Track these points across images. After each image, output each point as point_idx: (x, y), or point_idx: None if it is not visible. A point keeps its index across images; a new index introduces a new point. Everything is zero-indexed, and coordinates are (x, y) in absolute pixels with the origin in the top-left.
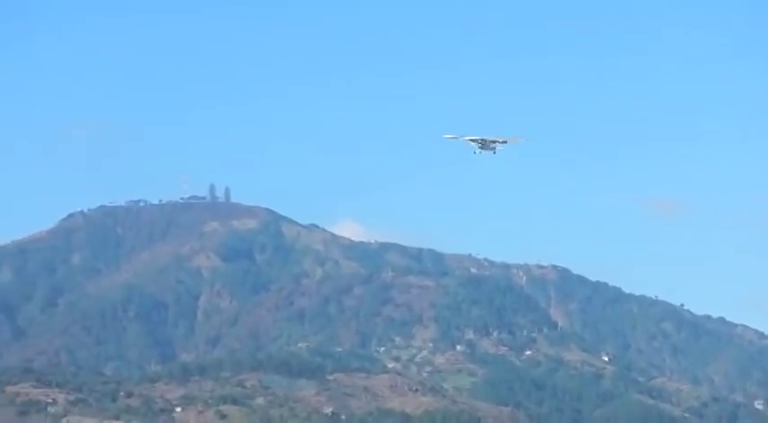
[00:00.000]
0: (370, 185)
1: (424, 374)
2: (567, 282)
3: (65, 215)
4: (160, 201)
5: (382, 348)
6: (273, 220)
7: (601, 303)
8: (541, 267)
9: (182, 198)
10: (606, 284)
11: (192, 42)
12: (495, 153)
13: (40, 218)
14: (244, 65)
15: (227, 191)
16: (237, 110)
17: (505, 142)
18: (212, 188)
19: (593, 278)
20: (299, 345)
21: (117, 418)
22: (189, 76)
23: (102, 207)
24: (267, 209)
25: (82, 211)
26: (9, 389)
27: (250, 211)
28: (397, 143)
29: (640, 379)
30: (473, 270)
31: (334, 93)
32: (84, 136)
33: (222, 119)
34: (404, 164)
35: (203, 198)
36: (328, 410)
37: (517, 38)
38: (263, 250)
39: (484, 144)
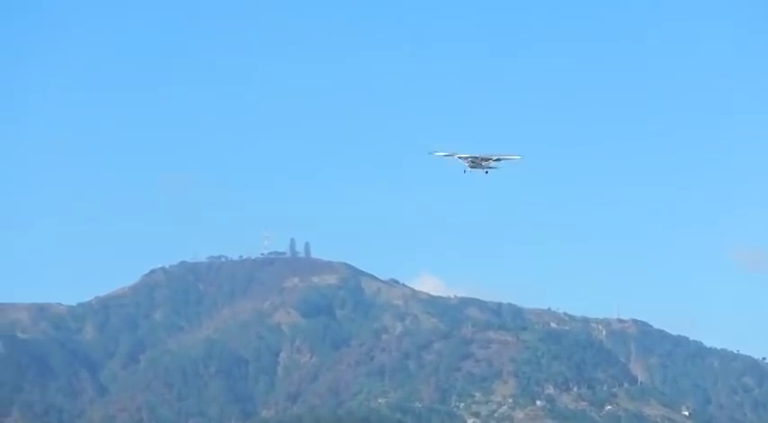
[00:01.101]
0: (450, 239)
1: None
2: (647, 336)
3: (147, 271)
4: (241, 256)
5: (462, 404)
6: (353, 276)
7: (681, 357)
8: (622, 321)
9: (262, 254)
10: (687, 338)
11: (271, 105)
12: (487, 173)
13: (123, 274)
14: (318, 125)
15: (308, 246)
16: (317, 168)
17: (499, 160)
18: (292, 243)
19: (673, 332)
20: (379, 400)
21: None
22: (269, 135)
23: (183, 263)
24: (347, 264)
25: (163, 268)
26: None
27: (330, 267)
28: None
29: None
30: (553, 324)
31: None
32: (166, 191)
33: (303, 176)
34: (480, 220)
35: (283, 253)
36: None
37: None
38: (342, 306)
39: (475, 162)
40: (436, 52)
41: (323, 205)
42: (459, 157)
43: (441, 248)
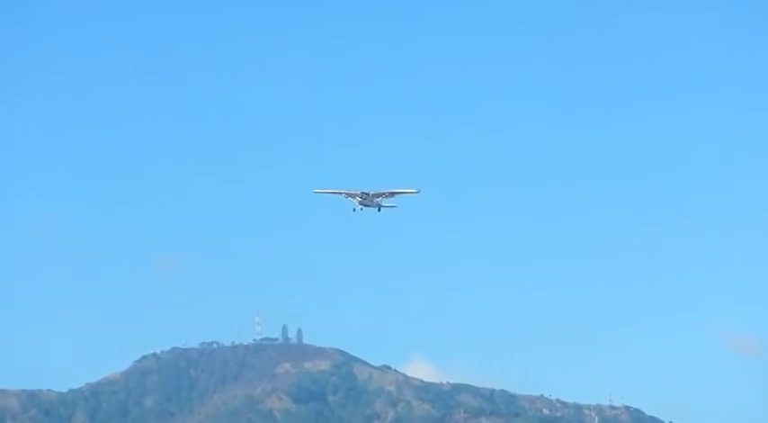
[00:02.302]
0: (442, 325)
1: None
2: (640, 422)
3: (138, 357)
4: (233, 343)
5: None
6: (345, 362)
7: None
8: (614, 408)
9: (254, 340)
10: None
11: (265, 197)
12: (379, 211)
13: (114, 360)
14: (313, 215)
15: (300, 332)
16: (309, 253)
17: (393, 195)
18: (285, 329)
19: (666, 419)
20: None
21: None
22: (260, 222)
23: (175, 349)
24: (339, 350)
25: (155, 354)
26: None
27: (322, 353)
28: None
29: None
30: (545, 411)
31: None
32: (158, 274)
33: (295, 262)
34: (473, 302)
35: (276, 339)
36: None
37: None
38: (335, 392)
39: (365, 199)
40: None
41: (315, 291)
42: (347, 194)
43: (432, 333)
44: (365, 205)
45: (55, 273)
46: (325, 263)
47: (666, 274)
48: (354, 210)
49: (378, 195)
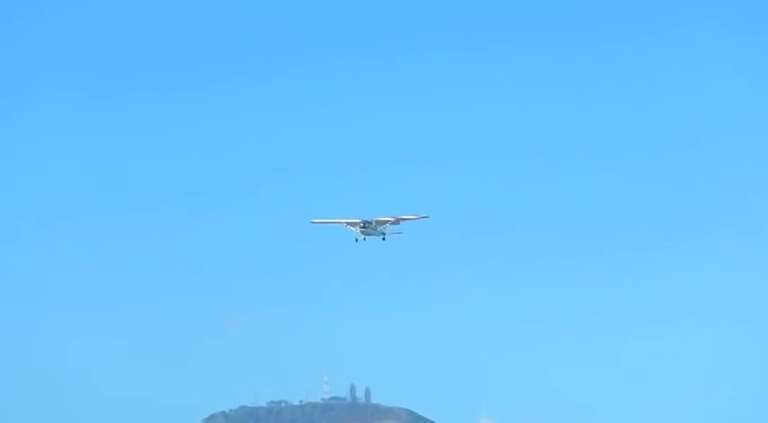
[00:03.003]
0: (509, 381)
1: None
2: None
3: (207, 415)
4: (301, 402)
5: None
6: (413, 421)
7: None
8: None
9: (322, 399)
10: None
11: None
12: (384, 239)
13: (183, 418)
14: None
15: (368, 392)
16: (378, 315)
17: (398, 222)
18: (353, 389)
19: None
20: None
21: None
22: (332, 278)
23: (243, 407)
24: (407, 409)
25: (224, 412)
26: None
27: (390, 412)
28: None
29: None
30: None
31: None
32: (227, 332)
33: (364, 320)
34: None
35: (343, 399)
36: None
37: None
38: None
39: (367, 228)
40: None
41: (382, 350)
42: (348, 224)
43: (500, 390)
44: (367, 234)
45: (124, 331)
46: (391, 323)
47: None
48: (357, 240)
49: (381, 223)
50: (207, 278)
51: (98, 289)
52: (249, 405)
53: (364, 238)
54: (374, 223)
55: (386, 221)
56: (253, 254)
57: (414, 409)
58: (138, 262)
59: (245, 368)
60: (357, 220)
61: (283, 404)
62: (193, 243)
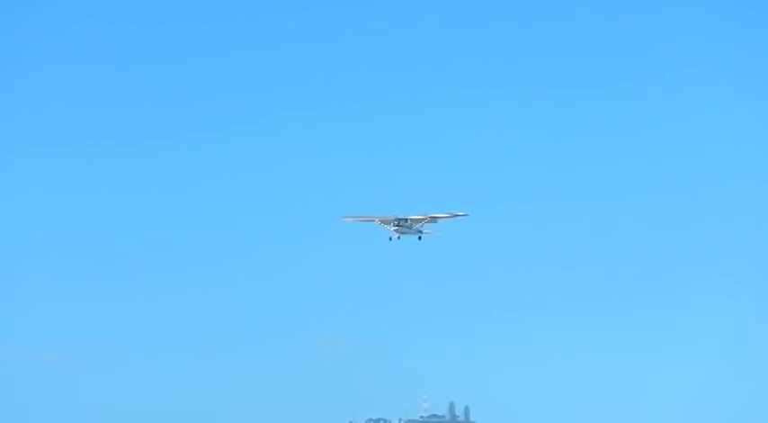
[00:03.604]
0: (611, 391)
1: None
2: None
3: None
4: (400, 419)
5: None
6: None
7: None
8: None
9: (421, 416)
10: None
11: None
12: (420, 239)
13: None
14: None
15: (467, 410)
16: (476, 333)
17: (435, 220)
18: (452, 407)
19: None
20: None
21: None
22: (427, 299)
23: None
24: None
25: None
26: None
27: None
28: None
29: None
30: None
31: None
32: (324, 351)
33: (464, 337)
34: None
35: (442, 417)
36: None
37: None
38: None
39: (402, 226)
40: None
41: (482, 368)
42: (381, 222)
43: (604, 406)
44: (402, 233)
45: (225, 357)
46: (493, 341)
47: None
48: (390, 238)
49: (416, 221)
50: (293, 298)
51: (190, 317)
52: None
53: (398, 237)
54: (409, 221)
55: (421, 220)
56: (336, 271)
57: None
58: (226, 291)
59: (344, 387)
60: (391, 218)
61: (382, 422)
62: (267, 263)
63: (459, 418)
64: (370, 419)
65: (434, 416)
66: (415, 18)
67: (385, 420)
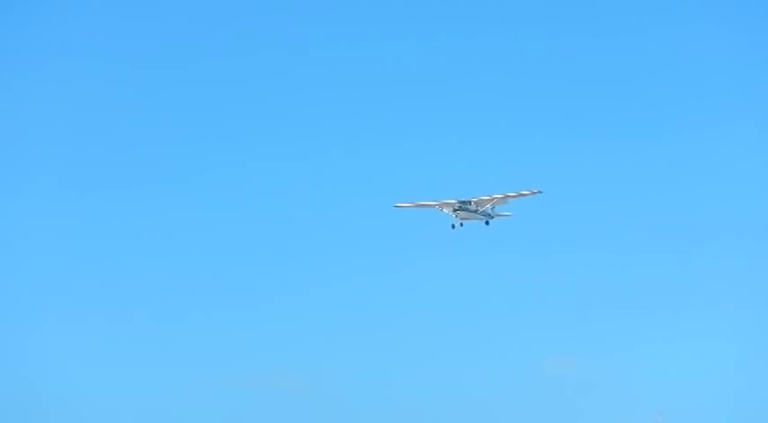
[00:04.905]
0: None
1: None
2: None
3: None
4: None
5: None
6: None
7: None
8: None
9: None
10: None
11: None
12: (488, 224)
13: None
14: None
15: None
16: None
17: (505, 200)
18: None
19: None
20: None
21: None
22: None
23: None
24: None
25: None
26: None
27: None
28: None
29: None
30: None
31: None
32: (550, 376)
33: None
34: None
35: None
36: None
37: None
38: None
39: (464, 210)
40: None
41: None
42: (440, 206)
43: None
44: (465, 219)
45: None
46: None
47: None
48: (453, 226)
49: (482, 202)
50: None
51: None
52: None
53: (461, 224)
54: (473, 204)
55: (488, 201)
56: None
57: None
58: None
59: (569, 412)
60: (452, 201)
61: None
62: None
63: None
64: None
65: None
66: None
67: None
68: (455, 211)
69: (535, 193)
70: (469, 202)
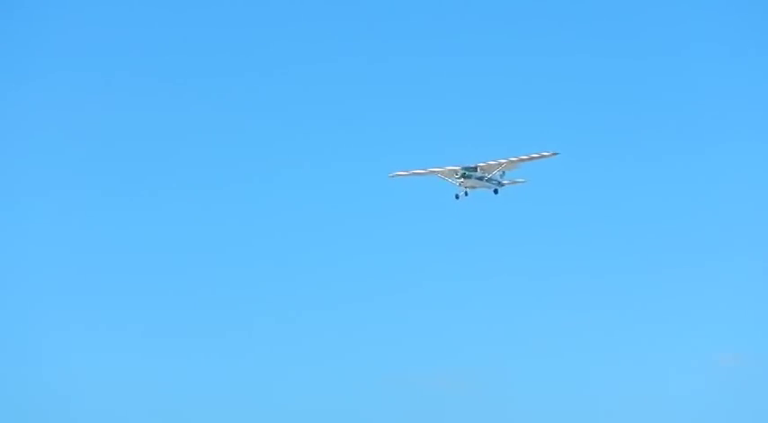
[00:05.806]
0: None
1: None
2: None
3: None
4: None
5: None
6: None
7: None
8: None
9: None
10: None
11: None
12: (497, 193)
13: None
14: None
15: None
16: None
17: (516, 165)
18: None
19: None
20: None
21: None
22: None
23: None
24: None
25: None
26: None
27: None
28: None
29: None
30: None
31: None
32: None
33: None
34: None
35: None
36: None
37: None
38: None
39: (469, 177)
40: None
41: None
42: (441, 174)
43: None
44: (471, 187)
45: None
46: None
47: None
48: (458, 196)
49: (489, 168)
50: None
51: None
52: None
53: (466, 194)
54: (479, 170)
55: (495, 166)
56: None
57: None
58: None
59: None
60: (456, 168)
61: None
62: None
63: None
64: None
65: None
66: None
67: None
68: (459, 178)
69: (549, 155)
70: (475, 167)
